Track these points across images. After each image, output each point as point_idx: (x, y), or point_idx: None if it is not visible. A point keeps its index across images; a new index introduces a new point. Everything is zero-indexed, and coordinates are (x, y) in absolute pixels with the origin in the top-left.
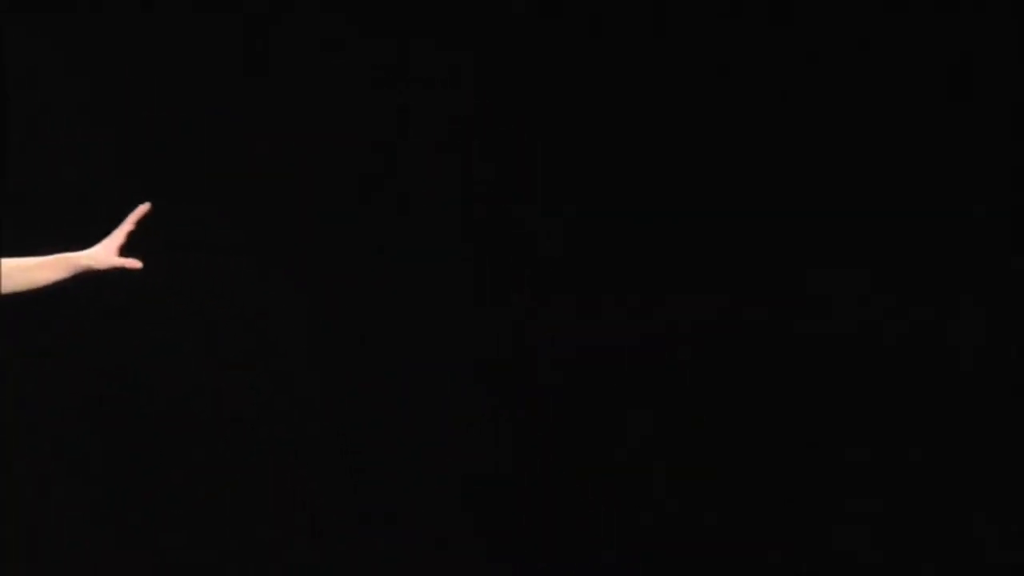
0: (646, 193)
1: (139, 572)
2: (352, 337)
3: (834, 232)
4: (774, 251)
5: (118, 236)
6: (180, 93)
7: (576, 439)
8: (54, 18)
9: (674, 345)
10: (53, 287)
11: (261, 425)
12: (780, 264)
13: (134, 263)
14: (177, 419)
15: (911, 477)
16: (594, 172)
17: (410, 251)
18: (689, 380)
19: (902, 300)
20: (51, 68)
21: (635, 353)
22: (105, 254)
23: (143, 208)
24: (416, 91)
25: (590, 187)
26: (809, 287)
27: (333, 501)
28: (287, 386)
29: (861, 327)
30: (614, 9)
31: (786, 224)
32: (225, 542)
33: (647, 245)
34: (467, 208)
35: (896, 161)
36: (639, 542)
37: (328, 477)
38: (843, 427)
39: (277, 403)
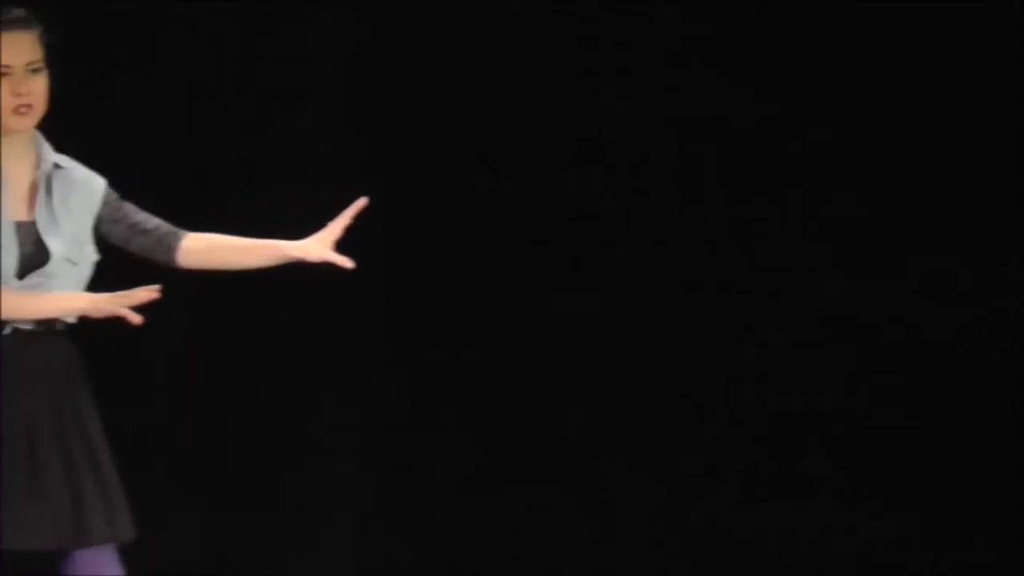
0: None
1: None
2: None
3: None
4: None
5: (334, 230)
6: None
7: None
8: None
9: None
10: (251, 271)
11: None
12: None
13: (345, 260)
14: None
15: None
16: None
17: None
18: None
19: None
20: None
21: None
22: (319, 247)
23: (361, 202)
24: None
25: None
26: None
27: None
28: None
29: None
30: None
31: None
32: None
33: None
34: None
35: None
36: None
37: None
38: None
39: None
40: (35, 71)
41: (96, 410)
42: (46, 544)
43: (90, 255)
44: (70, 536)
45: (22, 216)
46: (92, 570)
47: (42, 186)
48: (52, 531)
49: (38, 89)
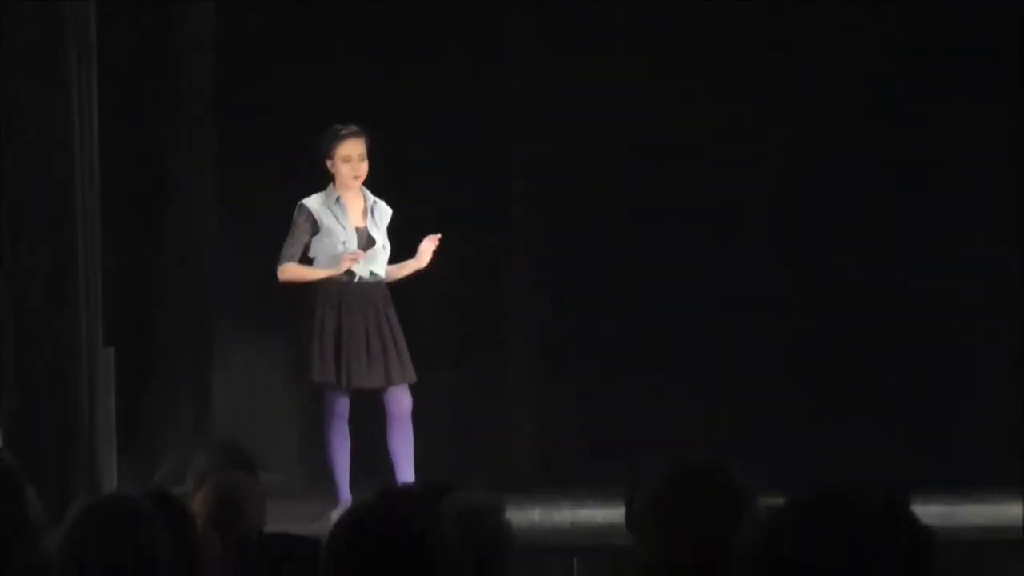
0: None
1: None
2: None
3: None
4: None
5: (428, 246)
6: None
7: None
8: None
9: None
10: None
11: None
12: None
13: (428, 245)
14: None
15: None
16: None
17: None
18: None
19: None
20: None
21: None
22: (417, 262)
23: (436, 236)
24: None
25: None
26: None
27: None
28: None
29: None
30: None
31: None
32: None
33: None
34: None
35: None
36: None
37: None
38: None
39: None
40: (363, 159)
41: (397, 316)
42: (376, 384)
43: (387, 247)
44: (386, 380)
45: (359, 224)
46: (395, 398)
47: (368, 211)
48: (378, 377)
49: (364, 168)
